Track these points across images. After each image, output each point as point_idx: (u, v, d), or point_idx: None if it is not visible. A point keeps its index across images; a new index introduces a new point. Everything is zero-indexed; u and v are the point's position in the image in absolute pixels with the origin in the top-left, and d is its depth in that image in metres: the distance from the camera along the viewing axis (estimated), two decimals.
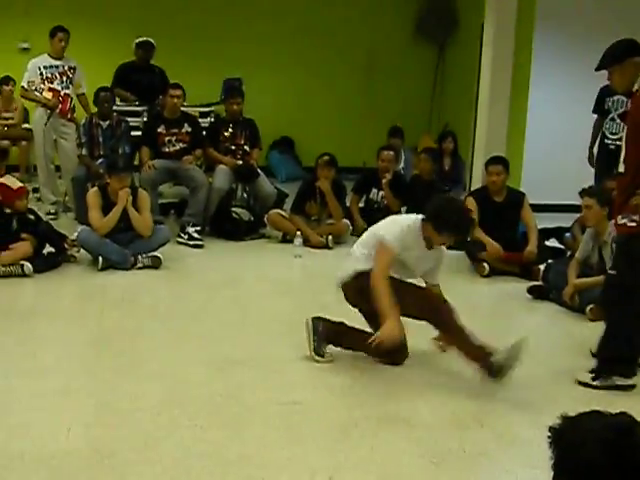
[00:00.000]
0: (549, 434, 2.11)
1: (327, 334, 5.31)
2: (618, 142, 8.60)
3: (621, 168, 5.03)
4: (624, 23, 10.53)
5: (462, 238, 5.19)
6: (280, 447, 4.08)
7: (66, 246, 7.48)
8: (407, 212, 8.76)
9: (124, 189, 7.47)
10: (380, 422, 4.45)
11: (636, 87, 4.90)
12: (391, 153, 9.56)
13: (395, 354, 5.21)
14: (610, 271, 5.07)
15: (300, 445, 4.12)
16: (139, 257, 7.48)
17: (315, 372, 5.14)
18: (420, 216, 5.17)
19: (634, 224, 4.76)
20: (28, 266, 7.01)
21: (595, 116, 9.02)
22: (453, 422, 4.51)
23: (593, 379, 5.00)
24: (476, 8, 10.77)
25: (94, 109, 9.51)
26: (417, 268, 5.24)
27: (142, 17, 12.19)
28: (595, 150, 8.99)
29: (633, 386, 5.00)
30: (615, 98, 8.67)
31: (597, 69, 5.18)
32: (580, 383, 5.05)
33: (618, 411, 2.12)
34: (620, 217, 4.88)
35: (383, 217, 8.84)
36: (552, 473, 2.11)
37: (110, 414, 4.41)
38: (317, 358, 5.24)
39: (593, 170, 8.87)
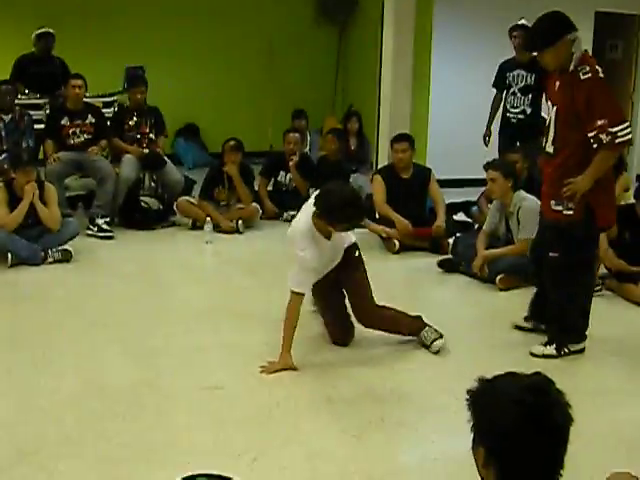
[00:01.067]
0: (467, 397, 2.17)
1: None
2: (520, 116, 8.80)
3: (550, 149, 5.06)
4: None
5: (356, 225, 5.19)
6: (204, 432, 4.11)
7: None
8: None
9: (30, 183, 7.36)
10: (300, 400, 4.51)
11: (572, 67, 4.84)
12: (296, 135, 9.61)
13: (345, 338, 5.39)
14: (551, 254, 5.09)
15: (224, 429, 4.15)
16: (49, 252, 7.38)
17: (234, 357, 5.17)
18: (308, 215, 4.98)
19: (571, 212, 4.93)
20: None
21: (494, 91, 9.20)
22: (371, 396, 4.59)
23: (556, 349, 5.19)
24: None
25: None
26: (333, 257, 5.24)
27: (41, 6, 11.95)
28: (497, 125, 9.13)
29: (584, 349, 5.27)
30: (515, 73, 8.85)
31: (529, 50, 5.25)
32: (536, 355, 5.19)
33: (532, 371, 2.19)
34: (554, 203, 5.02)
35: (291, 199, 9.05)
36: (471, 437, 2.17)
37: (30, 411, 4.37)
38: None
39: (497, 144, 9.01)
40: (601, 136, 4.72)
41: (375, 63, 11.68)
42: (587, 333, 5.29)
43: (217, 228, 8.51)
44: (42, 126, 9.30)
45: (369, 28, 12.68)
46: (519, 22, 9.00)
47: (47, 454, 3.85)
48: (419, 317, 5.38)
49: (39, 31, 10.06)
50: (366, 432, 4.13)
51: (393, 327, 5.37)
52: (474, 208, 8.82)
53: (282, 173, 9.61)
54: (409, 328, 5.36)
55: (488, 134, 9.23)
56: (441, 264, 7.29)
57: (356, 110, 12.03)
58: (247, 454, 3.84)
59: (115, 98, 10.40)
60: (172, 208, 9.09)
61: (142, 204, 9.09)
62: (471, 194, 9.26)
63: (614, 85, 11.06)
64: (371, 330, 5.35)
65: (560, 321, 5.24)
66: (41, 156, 9.25)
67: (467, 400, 2.17)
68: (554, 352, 5.18)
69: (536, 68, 8.85)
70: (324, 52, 14.11)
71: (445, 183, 9.00)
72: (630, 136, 4.84)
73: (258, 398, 4.53)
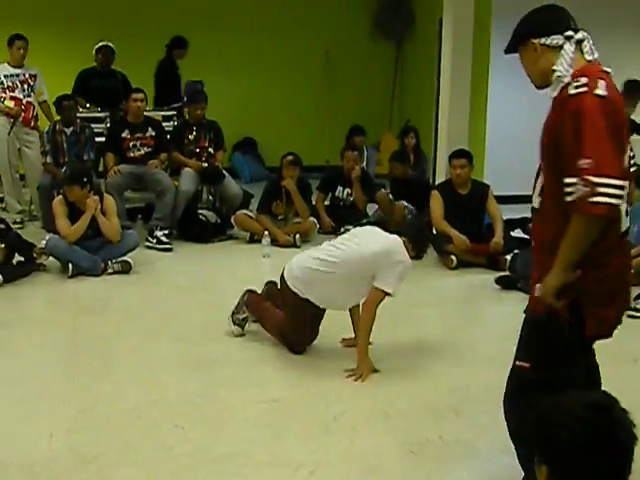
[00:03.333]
0: (529, 415, 2.16)
1: (248, 302, 5.75)
2: None
3: (535, 203, 3.56)
4: (578, 11, 10.68)
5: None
6: (262, 444, 4.12)
7: (35, 255, 7.47)
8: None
9: (92, 197, 7.46)
10: (358, 415, 4.51)
11: (565, 81, 3.17)
12: (355, 153, 9.67)
13: (300, 346, 5.45)
14: (517, 362, 3.76)
15: (281, 441, 4.16)
16: (109, 263, 7.49)
17: (291, 369, 5.19)
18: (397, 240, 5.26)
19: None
20: None
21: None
22: (429, 412, 4.58)
23: None
24: (433, 3, 10.86)
25: (56, 116, 9.47)
26: None
27: (101, 22, 12.13)
28: None
29: None
30: None
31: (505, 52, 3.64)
32: None
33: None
34: (537, 287, 3.34)
35: (349, 214, 9.09)
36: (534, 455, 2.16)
37: (90, 418, 4.43)
38: (230, 323, 5.75)
39: None
40: (578, 186, 2.98)
41: (432, 79, 11.72)
42: None
43: (275, 242, 8.56)
44: (103, 139, 9.44)
45: (426, 43, 12.71)
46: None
47: (106, 462, 3.89)
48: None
49: (98, 45, 10.25)
50: (423, 449, 4.11)
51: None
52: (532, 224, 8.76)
53: (340, 188, 9.64)
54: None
55: None
56: (499, 281, 7.25)
57: (413, 126, 12.02)
58: (304, 467, 3.85)
59: (176, 112, 10.52)
60: (230, 221, 9.16)
61: (200, 217, 9.18)
62: (528, 211, 9.18)
63: None
64: (427, 345, 5.33)
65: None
66: (102, 168, 9.39)
67: (529, 418, 2.16)
68: None
69: None
70: (381, 68, 14.14)
71: (503, 199, 8.95)
72: (614, 200, 2.95)
73: (315, 412, 4.54)
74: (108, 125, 9.73)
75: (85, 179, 7.51)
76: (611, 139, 3.00)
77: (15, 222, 9.26)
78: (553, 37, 3.27)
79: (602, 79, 3.11)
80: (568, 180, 3.02)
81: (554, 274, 3.16)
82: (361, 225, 6.44)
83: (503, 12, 10.55)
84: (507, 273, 7.39)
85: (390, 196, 9.62)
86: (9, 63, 9.59)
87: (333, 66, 13.75)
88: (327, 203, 9.69)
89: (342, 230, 9.15)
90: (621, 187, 2.96)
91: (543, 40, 3.28)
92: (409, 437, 4.23)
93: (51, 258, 7.54)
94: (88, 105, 10.00)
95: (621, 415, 2.09)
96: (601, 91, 3.05)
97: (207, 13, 13.08)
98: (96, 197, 7.51)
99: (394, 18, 13.77)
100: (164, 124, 9.83)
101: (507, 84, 11.00)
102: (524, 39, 3.38)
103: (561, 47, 3.24)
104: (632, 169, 5.80)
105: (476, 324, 5.93)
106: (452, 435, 4.29)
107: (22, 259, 7.46)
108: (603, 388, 2.24)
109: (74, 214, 7.48)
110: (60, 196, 7.73)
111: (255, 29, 13.32)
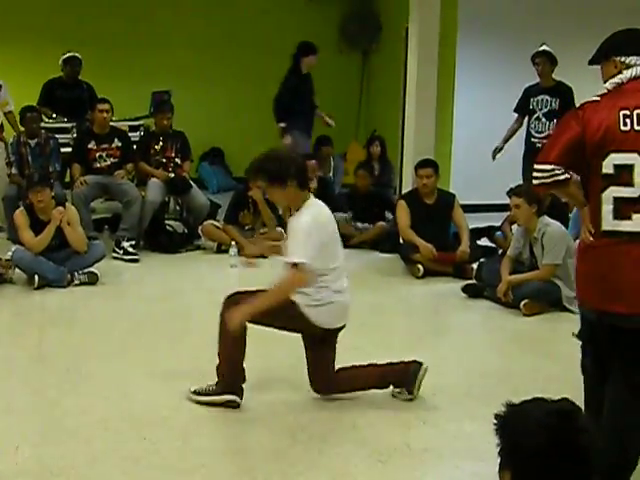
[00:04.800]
0: (495, 421, 2.18)
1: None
2: (545, 140, 8.81)
3: None
4: (538, 25, 10.85)
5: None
6: (229, 456, 4.14)
7: (1, 268, 7.42)
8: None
9: (57, 208, 7.42)
10: (326, 425, 4.53)
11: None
12: (313, 162, 9.64)
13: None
14: None
15: (250, 452, 4.17)
16: (75, 274, 7.45)
17: (260, 377, 5.18)
18: None
19: None
20: None
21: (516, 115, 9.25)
22: (397, 421, 4.60)
23: None
24: (399, 13, 10.92)
25: (21, 127, 9.42)
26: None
27: (67, 32, 12.06)
28: (521, 150, 9.15)
29: None
30: (540, 98, 8.90)
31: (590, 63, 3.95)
32: None
33: (559, 397, 2.21)
34: None
35: None
36: (498, 460, 2.19)
37: (57, 431, 4.41)
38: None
39: (520, 169, 9.01)
40: None
41: (398, 88, 11.77)
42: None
43: (241, 252, 8.55)
44: (69, 150, 9.40)
45: (392, 54, 12.78)
46: (541, 48, 9.05)
47: (74, 475, 3.88)
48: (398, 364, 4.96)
49: (65, 55, 10.20)
50: (392, 457, 4.13)
51: (351, 386, 4.93)
52: (498, 233, 8.85)
53: None
54: (374, 381, 4.93)
55: (500, 148, 9.31)
56: (465, 289, 7.29)
57: (379, 135, 12.07)
58: (271, 478, 3.86)
59: (141, 122, 10.49)
60: (197, 232, 9.15)
61: (167, 227, 9.18)
62: (495, 219, 9.27)
63: None
64: (394, 354, 5.34)
65: None
66: (68, 179, 9.34)
67: (495, 424, 2.18)
68: None
69: (560, 93, 8.92)
70: (348, 78, 14.17)
71: (469, 208, 9.01)
72: (537, 182, 3.67)
73: (283, 422, 4.55)
74: (74, 136, 9.68)
75: (50, 182, 7.50)
76: (559, 132, 3.72)
77: None
78: (631, 58, 3.68)
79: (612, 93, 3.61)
80: None
81: None
82: None
83: (468, 22, 10.69)
84: (474, 281, 7.44)
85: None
86: None
87: None
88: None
89: None
90: (546, 170, 3.62)
91: (623, 59, 3.70)
92: (377, 446, 4.25)
93: (17, 270, 7.49)
94: (54, 115, 9.95)
95: (584, 422, 2.12)
96: (593, 98, 3.65)
97: (174, 23, 13.06)
98: (61, 208, 7.47)
99: (360, 28, 13.82)
100: (130, 134, 9.79)
101: (473, 93, 11.15)
102: (607, 55, 3.79)
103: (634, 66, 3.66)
104: None
105: (443, 333, 5.97)
106: (420, 443, 4.32)
107: None
108: (574, 394, 2.27)
109: (36, 225, 7.43)
110: (21, 207, 7.68)
111: (221, 39, 13.31)
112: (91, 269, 7.55)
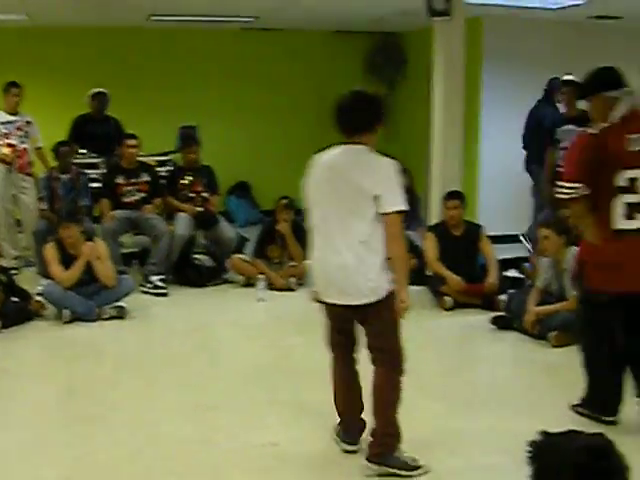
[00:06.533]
0: (528, 450, 2.16)
1: None
2: None
3: None
4: (562, 55, 10.87)
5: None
6: None
7: (31, 308, 7.47)
8: None
9: (88, 244, 7.49)
10: (355, 459, 4.50)
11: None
12: None
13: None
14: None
15: None
16: (104, 308, 7.50)
17: (288, 413, 5.19)
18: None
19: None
20: None
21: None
22: (422, 447, 4.57)
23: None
24: (424, 45, 10.96)
25: (52, 162, 9.52)
26: None
27: (94, 69, 12.17)
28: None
29: (612, 422, 4.90)
30: (565, 128, 8.87)
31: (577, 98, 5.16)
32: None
33: (594, 431, 2.19)
34: None
35: None
36: None
37: (87, 465, 4.43)
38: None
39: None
40: None
41: (424, 119, 11.77)
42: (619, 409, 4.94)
43: (270, 286, 8.57)
44: (98, 185, 9.48)
45: (418, 85, 12.81)
46: (566, 77, 9.06)
47: None
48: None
49: (93, 91, 10.32)
50: None
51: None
52: (526, 264, 8.80)
53: None
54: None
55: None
56: (494, 321, 7.26)
57: (406, 167, 12.08)
58: None
59: (169, 157, 10.56)
60: (225, 265, 9.17)
61: (195, 262, 9.20)
62: (522, 250, 9.24)
63: None
64: (423, 387, 5.32)
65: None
66: (97, 214, 9.41)
67: (528, 452, 2.16)
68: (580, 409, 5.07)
69: (586, 122, 8.89)
70: None
71: (496, 239, 8.98)
72: (565, 196, 4.70)
73: (313, 455, 4.54)
74: (103, 171, 9.76)
75: (80, 217, 7.56)
76: (578, 156, 4.85)
77: (11, 268, 9.27)
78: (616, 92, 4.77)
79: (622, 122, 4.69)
80: None
81: None
82: None
83: (494, 53, 10.74)
84: (503, 313, 7.40)
85: None
86: (4, 110, 9.64)
87: (327, 110, 13.77)
88: None
89: None
90: (571, 187, 4.66)
91: (610, 93, 4.77)
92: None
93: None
94: (84, 151, 10.06)
95: (618, 461, 2.07)
96: (592, 130, 4.81)
97: (202, 58, 13.16)
98: (90, 243, 7.54)
99: (385, 60, 13.88)
100: (158, 169, 9.87)
101: (499, 125, 11.15)
102: (595, 91, 4.87)
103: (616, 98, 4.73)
104: None
105: (472, 365, 5.95)
106: (451, 477, 4.29)
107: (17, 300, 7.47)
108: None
109: (66, 260, 7.50)
110: (52, 242, 7.74)
111: (247, 73, 13.39)
112: (120, 303, 7.60)
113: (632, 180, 4.61)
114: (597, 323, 4.89)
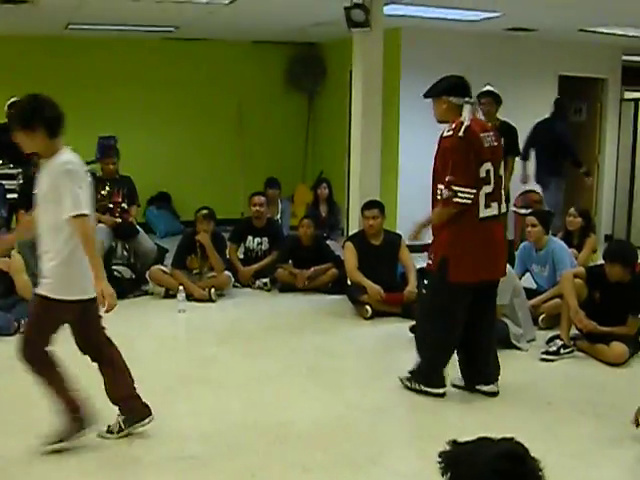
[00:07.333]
0: (440, 460, 2.16)
1: None
2: None
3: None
4: (480, 66, 11.06)
5: None
6: None
7: None
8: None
9: (3, 259, 7.37)
10: (276, 469, 4.51)
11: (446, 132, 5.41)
12: (262, 198, 9.73)
13: None
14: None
15: None
16: (22, 321, 7.35)
17: (209, 425, 5.17)
18: None
19: (430, 262, 5.63)
20: None
21: None
22: (346, 463, 4.59)
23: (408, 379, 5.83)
24: (343, 55, 11.05)
25: None
26: None
27: (11, 78, 12.01)
28: None
29: (440, 395, 5.65)
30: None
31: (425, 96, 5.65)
32: (400, 380, 5.83)
33: (502, 436, 2.22)
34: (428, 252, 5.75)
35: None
36: None
37: None
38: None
39: None
40: (444, 190, 5.28)
41: (344, 130, 11.88)
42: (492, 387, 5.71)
43: (190, 297, 8.53)
44: (15, 196, 9.32)
45: (338, 96, 12.91)
46: (485, 88, 9.21)
47: None
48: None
49: (10, 101, 10.14)
50: None
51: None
52: None
53: (250, 238, 9.68)
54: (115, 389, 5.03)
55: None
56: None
57: (326, 177, 12.16)
58: None
59: (88, 168, 10.41)
60: (145, 277, 9.10)
61: (115, 273, 9.10)
62: None
63: (580, 147, 11.41)
64: (342, 396, 5.35)
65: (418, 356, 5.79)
66: (14, 225, 9.27)
67: (440, 463, 2.16)
68: (407, 383, 5.79)
69: (505, 132, 9.09)
70: (294, 120, 14.28)
71: (415, 248, 9.06)
72: (468, 201, 5.24)
73: (232, 467, 4.53)
74: (20, 182, 9.61)
75: None
76: (469, 162, 5.26)
77: None
78: (458, 99, 5.44)
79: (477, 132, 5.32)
80: (440, 186, 5.34)
81: (417, 226, 6.51)
82: None
83: (412, 64, 10.86)
84: None
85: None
86: None
87: (246, 119, 13.83)
88: (241, 256, 9.70)
89: (258, 283, 9.24)
90: (471, 192, 5.23)
91: (451, 99, 5.46)
92: None
93: None
94: (0, 161, 9.89)
95: (533, 464, 2.11)
96: (460, 134, 5.25)
97: (122, 68, 13.07)
98: (6, 259, 7.41)
99: (305, 70, 13.95)
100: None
101: (416, 134, 11.26)
102: (440, 94, 5.52)
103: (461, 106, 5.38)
104: None
105: (393, 373, 5.99)
106: None
107: None
108: (518, 431, 2.29)
109: None
110: None
111: (167, 83, 13.34)
112: None
113: (487, 172, 5.34)
114: (452, 309, 5.50)
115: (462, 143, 5.26)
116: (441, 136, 5.42)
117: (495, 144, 5.48)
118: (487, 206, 5.37)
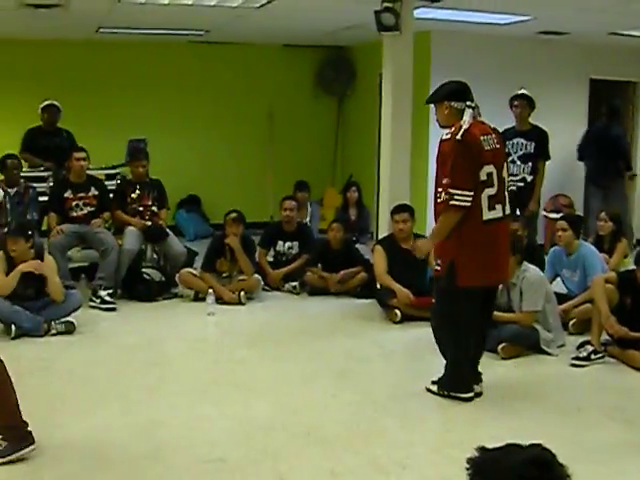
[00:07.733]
0: (467, 467, 2.16)
1: None
2: (520, 183, 8.99)
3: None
4: (510, 70, 11.02)
5: None
6: None
7: None
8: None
9: (36, 261, 7.41)
10: (304, 473, 4.51)
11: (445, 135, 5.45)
12: (292, 202, 9.74)
13: None
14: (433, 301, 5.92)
15: None
16: (52, 323, 7.41)
17: (237, 428, 5.17)
18: None
19: (438, 268, 5.59)
20: None
21: None
22: (376, 467, 4.58)
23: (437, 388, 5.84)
24: (373, 59, 11.03)
25: (0, 176, 9.39)
26: None
27: (43, 82, 12.10)
28: None
29: (469, 399, 5.69)
30: (515, 141, 9.02)
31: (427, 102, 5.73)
32: (428, 389, 5.87)
33: (530, 442, 2.20)
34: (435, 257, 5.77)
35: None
36: None
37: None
38: None
39: None
40: (443, 194, 5.34)
41: (373, 133, 11.86)
42: (476, 388, 5.77)
43: (219, 300, 8.55)
44: (46, 198, 9.37)
45: (367, 99, 12.89)
46: (519, 91, 9.18)
47: None
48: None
49: (44, 104, 10.22)
50: None
51: None
52: None
53: (280, 242, 9.69)
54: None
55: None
56: None
57: (355, 180, 12.15)
58: None
59: (118, 171, 10.49)
60: (174, 280, 9.13)
61: (145, 276, 9.14)
62: None
63: None
64: (372, 400, 5.33)
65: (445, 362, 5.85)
66: (45, 228, 9.31)
67: (468, 469, 2.16)
68: (435, 389, 5.82)
69: (535, 136, 9.04)
70: (323, 124, 14.28)
71: None
72: (466, 204, 5.28)
73: (261, 471, 4.53)
74: (51, 184, 9.66)
75: (29, 232, 7.48)
76: (468, 165, 5.27)
77: None
78: (459, 103, 5.49)
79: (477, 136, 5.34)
80: (439, 190, 5.39)
81: (427, 242, 6.10)
82: None
83: (441, 67, 10.82)
84: None
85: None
86: None
87: (276, 123, 13.84)
88: (270, 259, 9.71)
89: (287, 286, 9.24)
90: (469, 195, 5.25)
91: (453, 104, 5.51)
92: None
93: None
94: (39, 161, 9.93)
95: (560, 471, 2.10)
96: (458, 137, 5.28)
97: (152, 71, 13.12)
98: (38, 261, 7.45)
99: (335, 74, 13.94)
100: (107, 183, 9.79)
101: None
102: (441, 100, 5.58)
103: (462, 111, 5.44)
104: None
105: (422, 378, 5.97)
106: None
107: None
108: (548, 436, 2.28)
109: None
110: (1, 252, 7.62)
111: (197, 86, 13.39)
112: (68, 318, 7.52)
113: (489, 175, 5.36)
114: (464, 314, 5.56)
115: (460, 146, 5.29)
116: (440, 140, 5.48)
117: (497, 147, 5.52)
118: (491, 208, 5.42)
